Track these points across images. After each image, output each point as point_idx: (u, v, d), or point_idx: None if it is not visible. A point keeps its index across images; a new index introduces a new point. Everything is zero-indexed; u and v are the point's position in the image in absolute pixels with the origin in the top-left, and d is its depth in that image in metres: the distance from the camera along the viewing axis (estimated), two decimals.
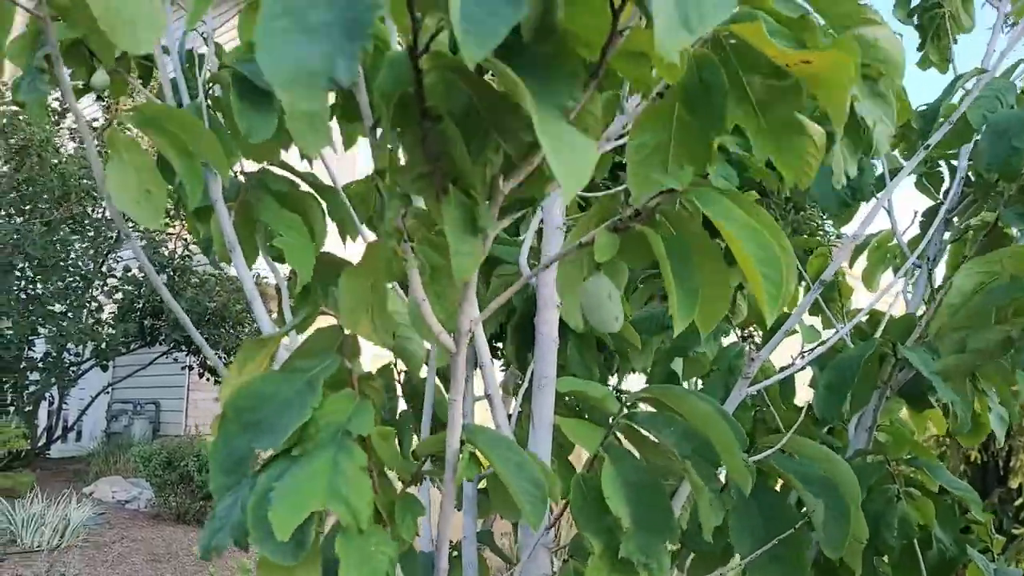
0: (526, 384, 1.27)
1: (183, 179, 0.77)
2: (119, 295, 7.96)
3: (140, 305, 7.86)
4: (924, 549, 1.13)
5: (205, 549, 0.66)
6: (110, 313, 8.21)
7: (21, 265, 7.31)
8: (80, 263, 8.05)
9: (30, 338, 7.57)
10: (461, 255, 0.60)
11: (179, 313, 0.94)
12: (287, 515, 0.61)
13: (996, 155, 1.09)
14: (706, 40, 0.67)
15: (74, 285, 7.87)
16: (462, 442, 0.76)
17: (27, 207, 7.42)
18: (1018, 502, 7.65)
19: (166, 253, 8.27)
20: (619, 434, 0.90)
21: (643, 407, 0.92)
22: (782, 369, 1.11)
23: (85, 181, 7.55)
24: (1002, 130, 1.09)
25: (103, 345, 7.67)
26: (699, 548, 1.09)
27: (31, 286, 7.49)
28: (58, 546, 5.24)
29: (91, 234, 8.25)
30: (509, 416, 1.22)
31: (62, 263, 7.68)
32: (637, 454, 0.91)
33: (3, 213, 7.38)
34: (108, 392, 9.09)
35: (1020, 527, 7.66)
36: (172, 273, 7.96)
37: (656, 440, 0.86)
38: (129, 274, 8.12)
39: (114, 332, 7.88)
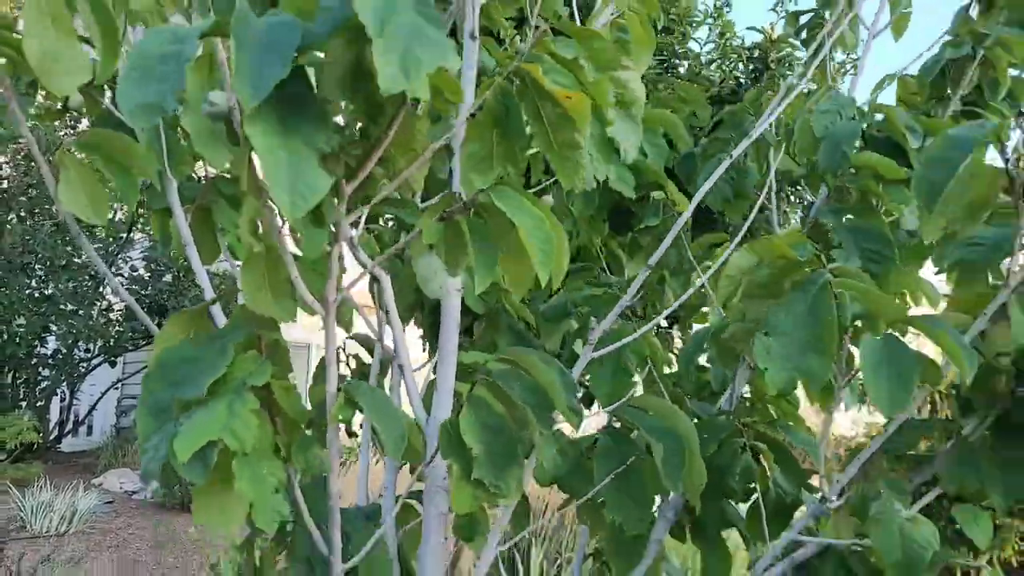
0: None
1: (120, 191, 0.98)
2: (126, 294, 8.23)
3: (147, 303, 8.12)
4: (765, 494, 1.33)
5: (144, 473, 0.88)
6: (119, 311, 8.49)
7: (34, 265, 7.60)
8: (90, 264, 8.32)
9: (41, 336, 7.85)
10: (310, 242, 0.82)
11: (128, 300, 1.16)
12: (188, 442, 0.82)
13: (830, 160, 1.29)
14: (510, 73, 0.88)
15: (84, 285, 8.15)
16: (340, 391, 0.97)
17: (36, 210, 7.70)
18: None
19: (172, 254, 8.53)
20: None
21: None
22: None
23: None
24: (837, 139, 1.29)
25: (112, 342, 7.95)
26: (570, 490, 1.29)
27: (43, 286, 7.77)
28: (65, 532, 5.50)
29: (101, 236, 8.53)
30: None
31: (74, 263, 7.95)
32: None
33: (13, 217, 7.67)
34: (118, 388, 9.38)
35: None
36: (177, 273, 8.22)
37: (508, 393, 1.07)
38: (136, 274, 8.39)
39: (122, 330, 8.15)
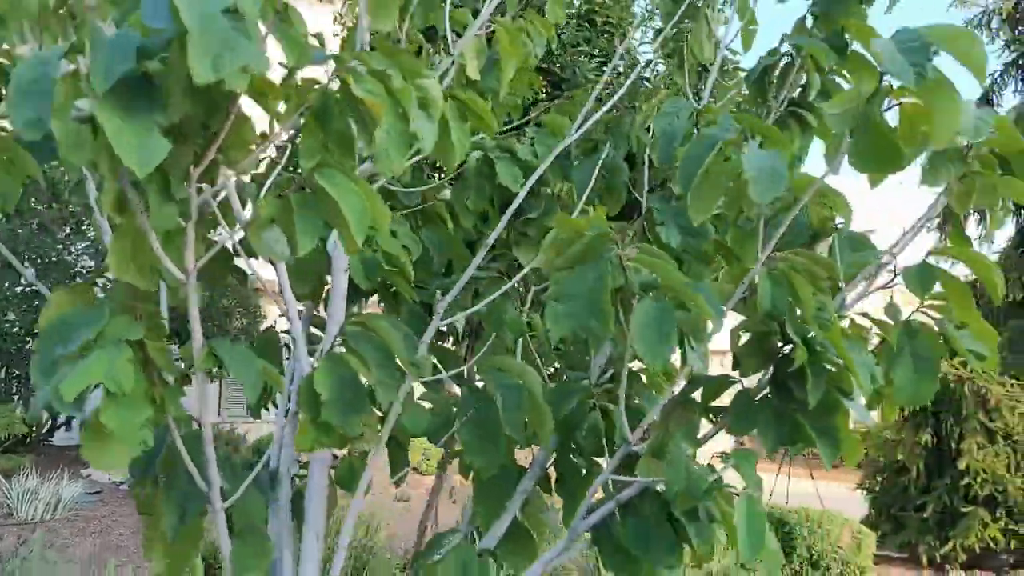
0: None
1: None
2: None
3: None
4: (612, 448, 1.51)
5: (31, 417, 1.07)
6: None
7: (24, 263, 7.80)
8: (79, 262, 8.52)
9: (33, 331, 8.05)
10: (160, 215, 1.00)
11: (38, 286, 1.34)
12: (72, 385, 1.00)
13: (663, 154, 1.48)
14: (330, 79, 1.06)
15: (75, 283, 8.33)
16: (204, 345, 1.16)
17: (19, 209, 7.90)
18: (964, 481, 7.98)
19: None
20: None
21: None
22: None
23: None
24: (669, 137, 1.48)
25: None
26: (435, 439, 1.48)
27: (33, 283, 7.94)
28: (51, 518, 5.70)
29: (91, 234, 8.72)
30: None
31: (66, 260, 8.14)
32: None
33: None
34: None
35: (968, 505, 7.99)
36: None
37: (358, 349, 1.26)
38: None
39: None
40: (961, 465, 7.94)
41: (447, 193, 1.91)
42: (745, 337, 1.23)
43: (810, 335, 1.14)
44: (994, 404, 8.05)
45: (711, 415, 1.35)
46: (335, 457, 1.64)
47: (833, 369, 1.19)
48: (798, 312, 1.15)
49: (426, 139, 1.01)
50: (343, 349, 1.29)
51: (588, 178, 1.73)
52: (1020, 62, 11.65)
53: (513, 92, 1.98)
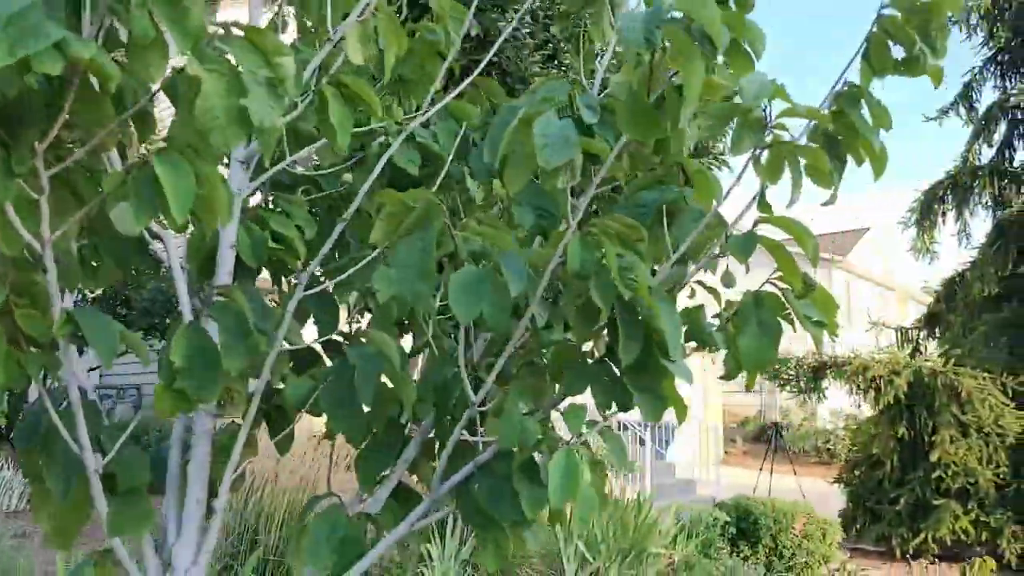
0: None
1: None
2: None
3: (111, 295, 8.40)
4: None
5: None
6: (91, 299, 8.76)
7: None
8: None
9: None
10: (2, 189, 1.08)
11: None
12: None
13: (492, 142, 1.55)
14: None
15: None
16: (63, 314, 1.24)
17: None
18: (935, 474, 8.07)
19: None
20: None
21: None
22: None
23: None
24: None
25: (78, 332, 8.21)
26: (311, 409, 1.56)
27: None
28: (25, 509, 5.79)
29: None
30: None
31: None
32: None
33: None
34: (92, 374, 9.68)
35: (940, 498, 8.08)
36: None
37: (220, 320, 1.34)
38: None
39: None
40: (933, 458, 8.03)
41: (348, 177, 2.00)
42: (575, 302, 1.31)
43: (628, 297, 1.22)
44: (966, 397, 8.14)
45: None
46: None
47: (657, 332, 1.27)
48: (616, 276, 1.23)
49: (262, 115, 1.09)
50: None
51: (480, 161, 1.81)
52: (999, 58, 11.73)
53: (416, 78, 2.06)
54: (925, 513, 8.08)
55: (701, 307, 1.41)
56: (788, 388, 9.90)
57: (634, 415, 11.84)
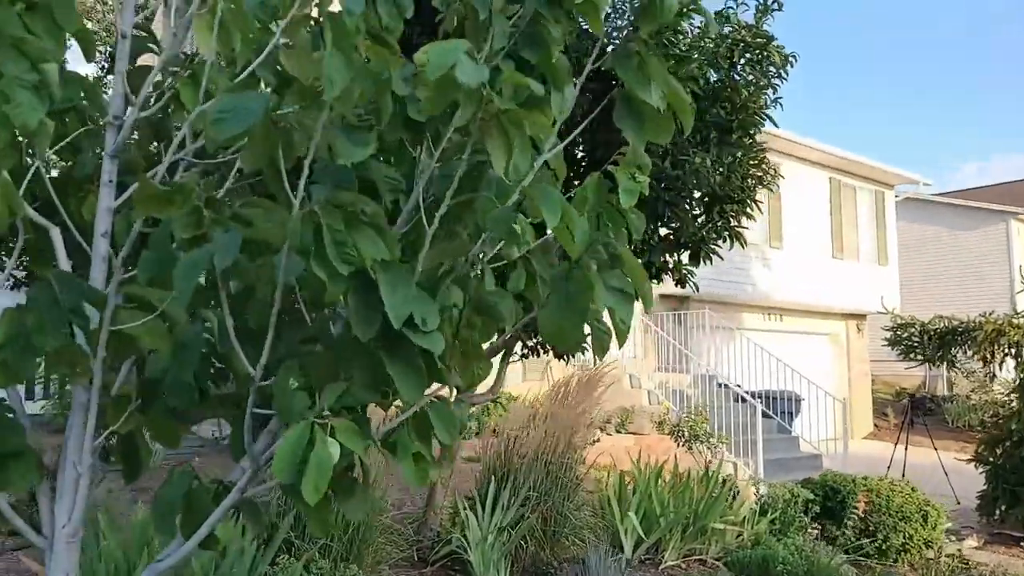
0: None
1: None
2: None
3: None
4: None
5: None
6: None
7: None
8: None
9: None
10: None
11: None
12: None
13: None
14: None
15: None
16: None
17: None
18: None
19: None
20: None
21: None
22: None
23: None
24: None
25: None
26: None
27: None
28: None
29: None
30: None
31: None
32: None
33: None
34: None
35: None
36: None
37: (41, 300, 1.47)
38: None
39: None
40: None
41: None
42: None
43: (348, 272, 1.22)
44: None
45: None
46: None
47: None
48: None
49: (25, 118, 1.19)
50: None
51: None
52: None
53: None
54: None
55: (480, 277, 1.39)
56: (912, 357, 9.07)
57: (748, 386, 11.36)
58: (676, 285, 4.99)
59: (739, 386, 11.13)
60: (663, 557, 5.07)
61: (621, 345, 1.56)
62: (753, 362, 12.10)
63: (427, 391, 1.44)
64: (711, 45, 4.11)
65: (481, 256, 1.46)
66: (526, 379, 10.88)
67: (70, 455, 1.73)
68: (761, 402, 10.02)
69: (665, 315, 12.58)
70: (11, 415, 1.67)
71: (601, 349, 1.64)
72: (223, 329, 1.40)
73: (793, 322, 15.49)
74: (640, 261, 4.91)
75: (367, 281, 1.25)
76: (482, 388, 5.18)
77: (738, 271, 13.95)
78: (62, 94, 1.36)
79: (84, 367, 1.61)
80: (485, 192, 1.50)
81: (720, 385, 10.78)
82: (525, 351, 5.11)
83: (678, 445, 8.05)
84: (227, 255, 1.18)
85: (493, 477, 4.62)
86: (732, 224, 4.90)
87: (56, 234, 1.80)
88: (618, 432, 10.03)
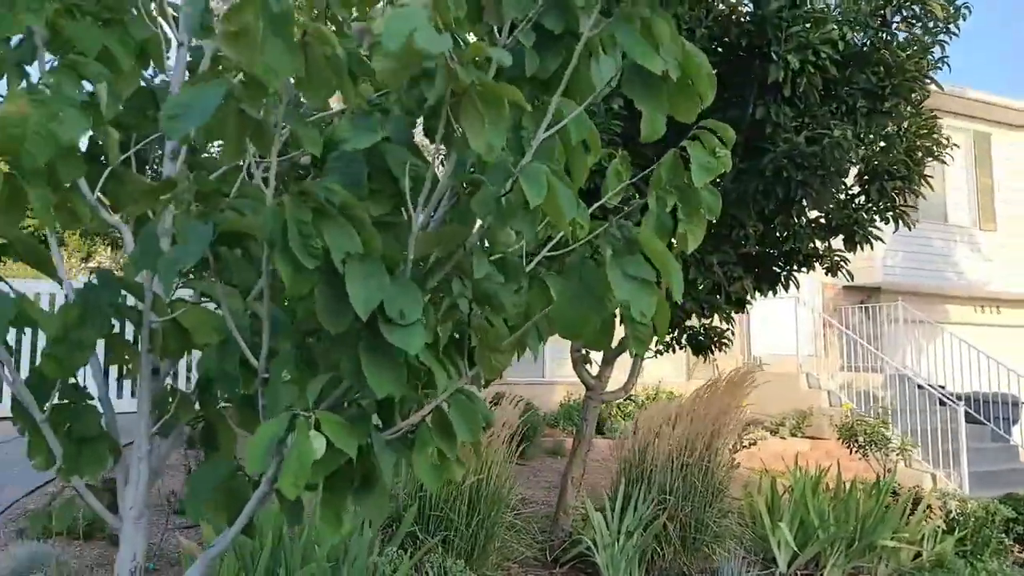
0: None
1: None
2: None
3: None
4: None
5: None
6: None
7: None
8: None
9: None
10: None
11: None
12: None
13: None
14: None
15: None
16: None
17: None
18: None
19: None
20: None
21: None
22: None
23: None
24: None
25: None
26: None
27: None
28: None
29: None
30: None
31: None
32: None
33: None
34: None
35: None
36: None
37: None
38: None
39: None
40: None
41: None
42: None
43: (312, 265, 1.18)
44: None
45: None
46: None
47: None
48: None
49: (70, 134, 1.28)
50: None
51: None
52: None
53: None
54: None
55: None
56: None
57: (953, 387, 10.08)
58: (826, 274, 4.51)
59: (942, 387, 9.93)
60: (822, 574, 4.61)
61: (637, 350, 1.39)
62: (960, 361, 10.72)
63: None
64: (854, 4, 3.65)
65: (479, 244, 1.37)
66: (692, 377, 10.44)
67: (137, 443, 1.85)
68: (969, 406, 8.86)
69: (851, 308, 11.53)
70: (90, 400, 1.82)
71: (639, 343, 1.48)
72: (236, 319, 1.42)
73: (1014, 315, 13.56)
74: (785, 248, 4.52)
75: (335, 274, 1.20)
76: (614, 385, 5.00)
77: (939, 258, 12.48)
78: (119, 106, 1.42)
79: (134, 360, 1.71)
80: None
81: (918, 386, 9.67)
82: (660, 347, 4.87)
83: (851, 451, 7.31)
84: (195, 248, 1.18)
85: (624, 479, 4.44)
86: (896, 203, 4.35)
87: (127, 232, 1.93)
88: (793, 435, 9.33)
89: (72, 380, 1.77)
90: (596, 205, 1.80)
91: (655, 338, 4.32)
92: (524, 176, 1.21)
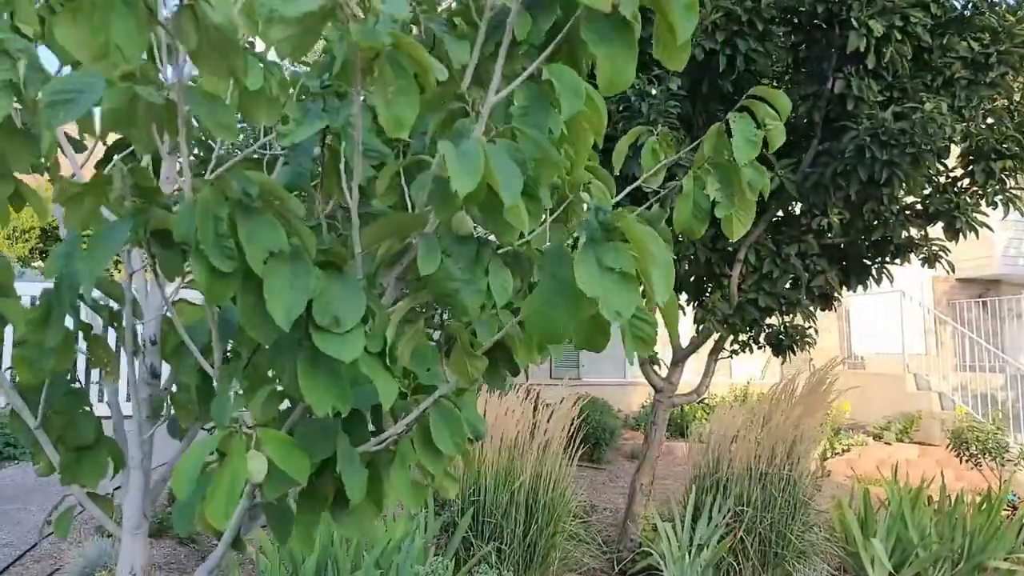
0: None
1: None
2: None
3: None
4: None
5: None
6: None
7: None
8: None
9: None
10: None
11: None
12: None
13: None
14: None
15: None
16: None
17: None
18: None
19: None
20: None
21: None
22: None
23: None
24: None
25: None
26: None
27: None
28: None
29: None
30: None
31: None
32: None
33: None
34: None
35: None
36: None
37: None
38: None
39: None
40: None
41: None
42: None
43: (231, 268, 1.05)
44: None
45: None
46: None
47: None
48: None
49: None
50: None
51: None
52: None
53: None
54: None
55: None
56: None
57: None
58: (923, 265, 4.05)
59: None
60: None
61: (638, 351, 1.18)
62: None
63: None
64: None
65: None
66: (784, 377, 9.84)
67: (131, 452, 1.78)
68: None
69: (966, 303, 10.58)
70: (88, 408, 1.76)
71: (642, 344, 1.26)
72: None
73: None
74: (874, 238, 4.08)
75: (255, 278, 1.05)
76: (685, 388, 4.69)
77: None
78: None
79: (111, 363, 1.64)
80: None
81: None
82: (735, 347, 4.52)
83: (961, 460, 6.65)
84: (105, 251, 1.07)
85: (696, 487, 4.15)
86: (1007, 186, 3.85)
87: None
88: (899, 441, 8.62)
89: (75, 385, 1.73)
90: (629, 188, 1.59)
91: (731, 336, 3.95)
92: (450, 157, 1.01)
